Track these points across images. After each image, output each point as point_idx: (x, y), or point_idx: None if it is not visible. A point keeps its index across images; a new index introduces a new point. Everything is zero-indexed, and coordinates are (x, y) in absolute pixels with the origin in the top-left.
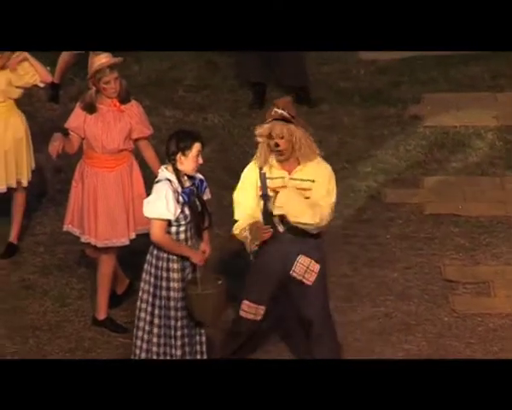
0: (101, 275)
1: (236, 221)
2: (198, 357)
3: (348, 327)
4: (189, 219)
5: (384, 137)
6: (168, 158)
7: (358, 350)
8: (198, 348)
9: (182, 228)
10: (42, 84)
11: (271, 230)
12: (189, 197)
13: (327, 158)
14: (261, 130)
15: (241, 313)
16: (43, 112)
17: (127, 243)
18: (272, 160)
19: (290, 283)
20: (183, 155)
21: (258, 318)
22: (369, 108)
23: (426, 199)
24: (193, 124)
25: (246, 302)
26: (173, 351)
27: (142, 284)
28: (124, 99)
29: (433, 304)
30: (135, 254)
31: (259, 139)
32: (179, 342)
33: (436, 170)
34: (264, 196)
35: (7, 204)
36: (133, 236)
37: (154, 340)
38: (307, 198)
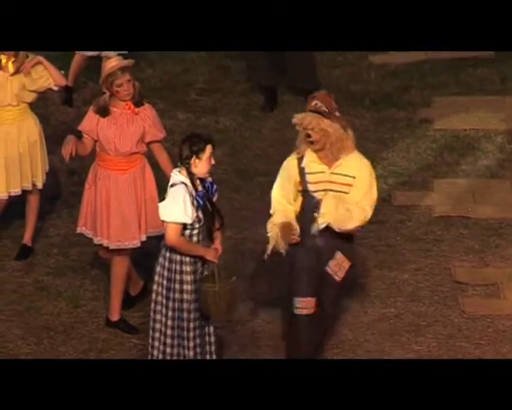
0: (114, 276)
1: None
2: (207, 357)
3: (359, 328)
4: (202, 222)
5: (394, 140)
6: (182, 162)
7: (369, 351)
8: (207, 348)
9: (195, 231)
10: (56, 88)
11: (299, 237)
12: (203, 200)
13: None
14: (296, 119)
15: (296, 311)
16: (57, 115)
17: (138, 245)
18: (312, 155)
19: (321, 277)
20: (198, 157)
21: (312, 311)
22: (379, 112)
23: (436, 201)
24: (205, 127)
25: (298, 299)
26: (186, 352)
27: (155, 287)
28: (137, 102)
29: (443, 305)
30: (149, 256)
31: (297, 128)
32: (192, 344)
33: (446, 173)
34: (305, 193)
35: (21, 206)
36: (144, 238)
37: (168, 341)
38: (346, 193)
